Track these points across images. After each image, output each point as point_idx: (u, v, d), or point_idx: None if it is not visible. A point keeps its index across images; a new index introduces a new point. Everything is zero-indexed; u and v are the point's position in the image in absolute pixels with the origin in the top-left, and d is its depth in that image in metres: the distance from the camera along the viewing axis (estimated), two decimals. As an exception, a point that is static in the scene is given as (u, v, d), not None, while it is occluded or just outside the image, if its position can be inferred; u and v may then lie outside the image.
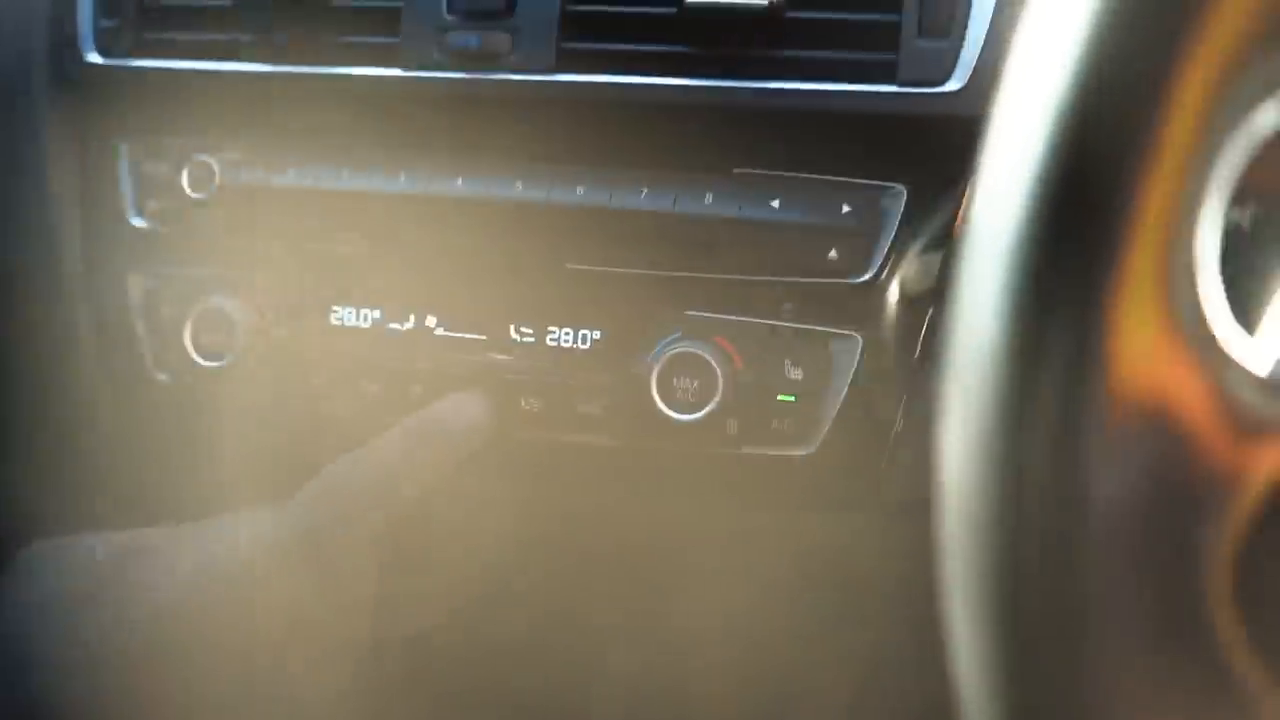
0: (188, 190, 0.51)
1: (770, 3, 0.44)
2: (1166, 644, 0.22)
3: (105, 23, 0.54)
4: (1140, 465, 0.21)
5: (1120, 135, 0.21)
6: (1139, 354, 0.21)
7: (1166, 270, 0.21)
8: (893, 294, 0.46)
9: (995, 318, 0.21)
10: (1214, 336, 0.22)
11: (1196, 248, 0.22)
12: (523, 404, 0.49)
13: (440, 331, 0.50)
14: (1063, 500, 0.21)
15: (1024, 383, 0.21)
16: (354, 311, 0.51)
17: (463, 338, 0.50)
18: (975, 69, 0.43)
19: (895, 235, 0.45)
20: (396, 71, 0.50)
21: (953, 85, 0.43)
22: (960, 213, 0.45)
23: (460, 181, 0.49)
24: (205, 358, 0.51)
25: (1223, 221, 0.23)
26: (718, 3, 0.45)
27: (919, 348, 0.46)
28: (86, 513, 0.58)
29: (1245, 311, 0.24)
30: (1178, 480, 0.21)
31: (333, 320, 0.51)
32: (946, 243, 0.45)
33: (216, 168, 0.51)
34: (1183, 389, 0.21)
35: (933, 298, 0.46)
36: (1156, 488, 0.22)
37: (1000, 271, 0.21)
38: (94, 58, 0.54)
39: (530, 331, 0.49)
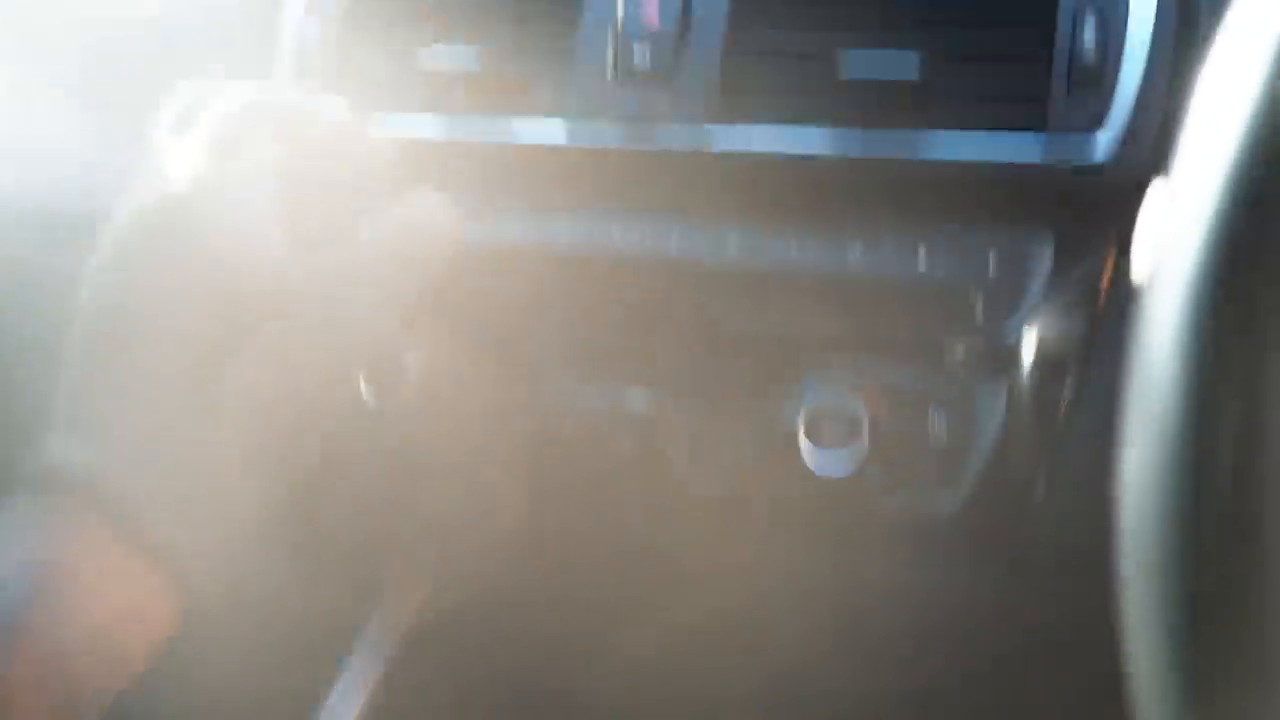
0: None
1: (922, 76, 0.46)
2: None
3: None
4: None
5: None
6: None
7: None
8: (1039, 346, 0.45)
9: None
10: None
11: None
12: (666, 453, 0.49)
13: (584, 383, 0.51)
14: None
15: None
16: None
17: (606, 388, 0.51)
18: (1129, 118, 0.43)
19: (1042, 286, 0.45)
20: (561, 127, 0.52)
21: (1104, 134, 0.43)
22: (1108, 264, 0.44)
23: (614, 233, 0.51)
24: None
25: None
26: (873, 77, 0.46)
27: (1064, 402, 0.45)
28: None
29: None
30: None
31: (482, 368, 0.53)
32: (1093, 294, 0.45)
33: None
34: None
35: (1079, 350, 0.45)
36: None
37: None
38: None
39: (675, 383, 0.50)
